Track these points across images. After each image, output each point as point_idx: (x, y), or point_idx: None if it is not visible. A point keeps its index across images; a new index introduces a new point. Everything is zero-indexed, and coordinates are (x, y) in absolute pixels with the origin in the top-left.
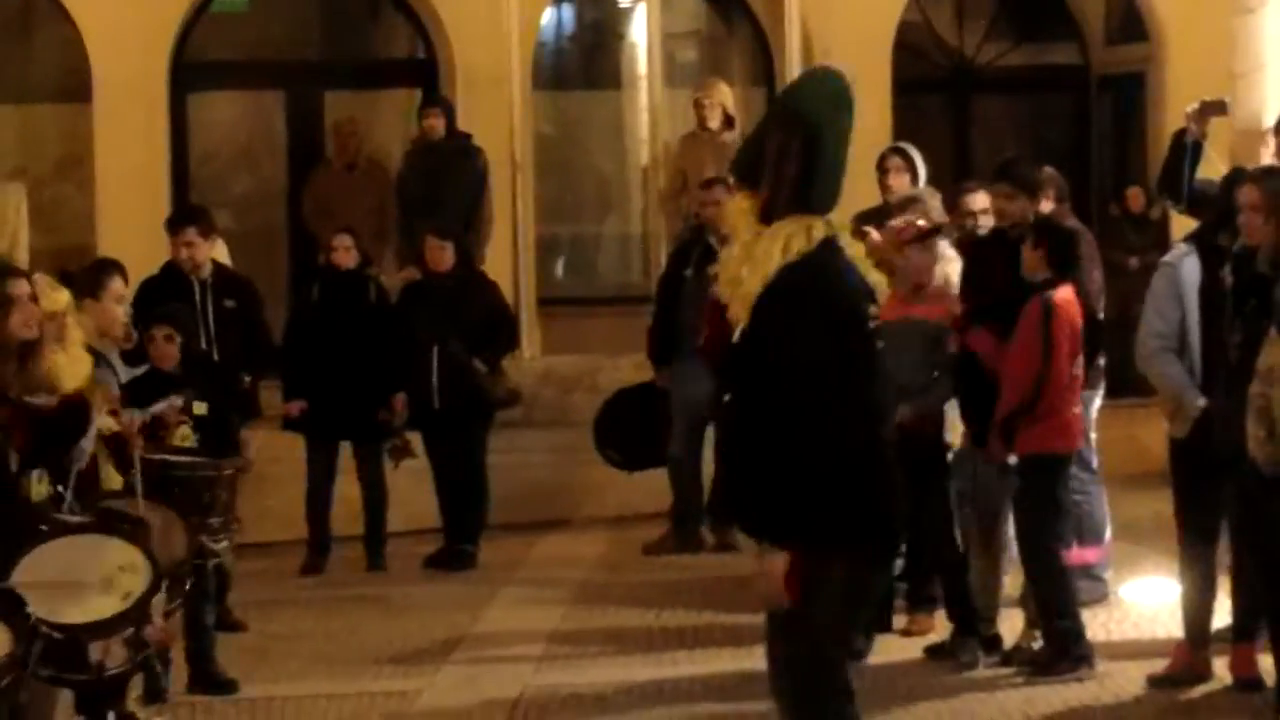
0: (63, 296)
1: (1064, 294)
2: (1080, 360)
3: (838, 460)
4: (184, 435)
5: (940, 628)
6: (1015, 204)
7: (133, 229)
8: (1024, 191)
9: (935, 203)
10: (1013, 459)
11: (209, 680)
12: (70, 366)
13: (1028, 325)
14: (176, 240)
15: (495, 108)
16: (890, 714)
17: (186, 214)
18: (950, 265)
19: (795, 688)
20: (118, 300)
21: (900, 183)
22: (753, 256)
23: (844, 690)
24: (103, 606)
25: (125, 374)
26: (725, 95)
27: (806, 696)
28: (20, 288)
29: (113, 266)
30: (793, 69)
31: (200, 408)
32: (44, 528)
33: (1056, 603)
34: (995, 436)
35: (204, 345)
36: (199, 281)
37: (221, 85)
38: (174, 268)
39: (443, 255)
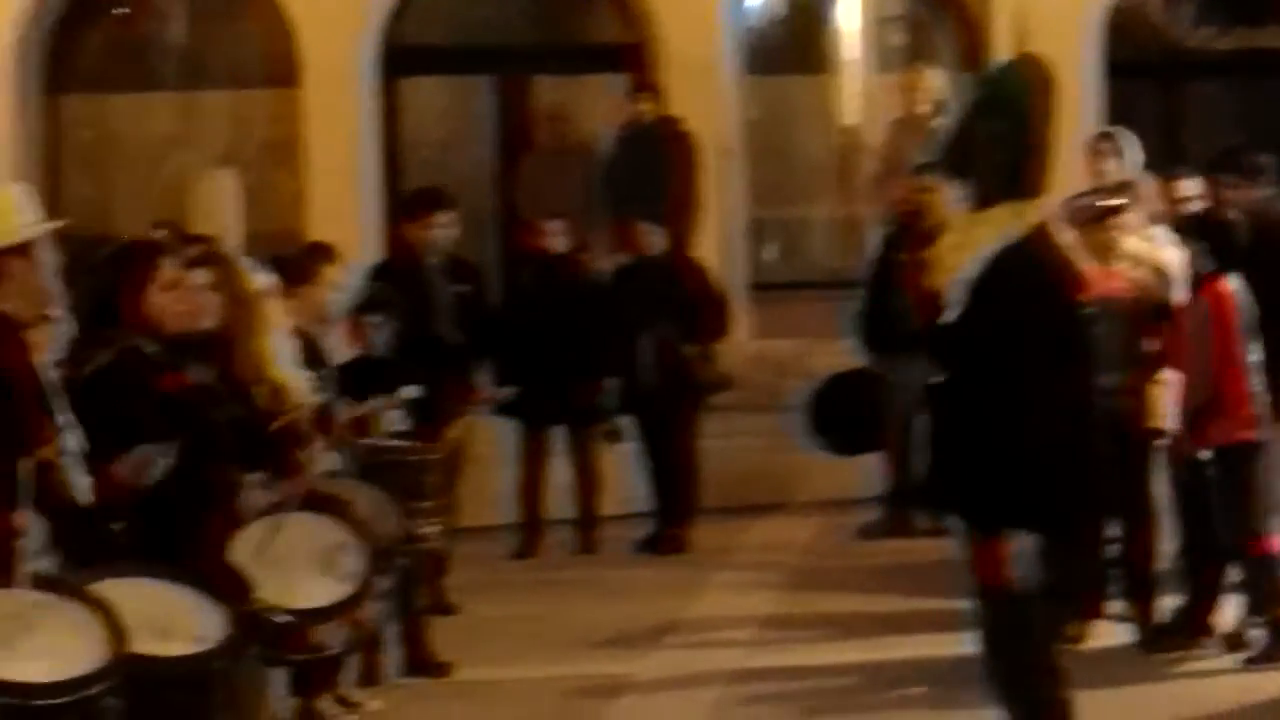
0: (261, 281)
1: (1225, 285)
2: (1254, 347)
3: (1044, 442)
4: (390, 420)
5: (1156, 614)
6: (1240, 193)
7: (342, 214)
8: (1252, 181)
9: (1149, 189)
10: (1205, 453)
11: (422, 663)
12: (270, 353)
13: (1192, 319)
14: (426, 222)
15: (704, 92)
16: (1102, 700)
17: (438, 197)
18: (1166, 252)
19: (1001, 667)
20: (329, 285)
21: (1110, 168)
22: (967, 242)
23: (1051, 670)
24: (325, 588)
25: (340, 356)
26: (934, 80)
27: (1012, 676)
28: (196, 276)
29: (324, 251)
30: (1002, 53)
31: (411, 392)
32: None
33: (1266, 591)
34: (1183, 431)
35: (434, 329)
36: (430, 266)
37: (430, 70)
38: (405, 251)
39: (653, 240)
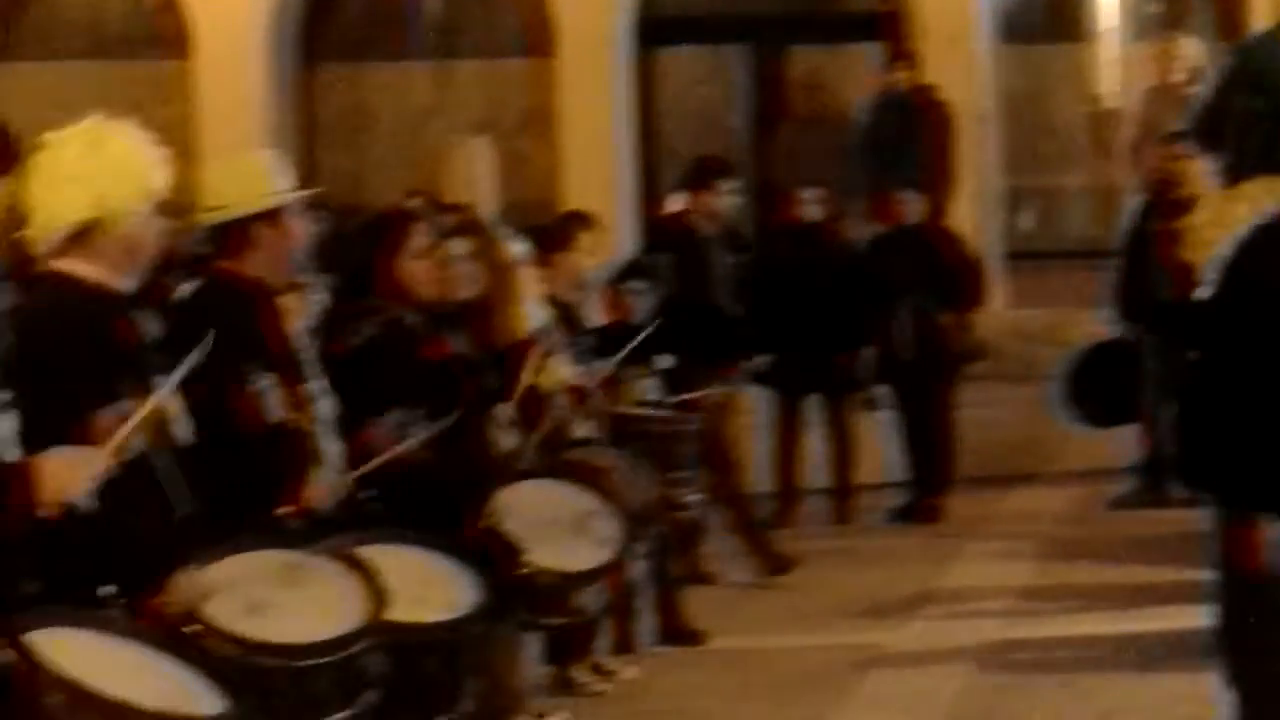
0: (516, 250)
1: None
2: None
3: None
4: (643, 388)
5: None
6: None
7: (597, 183)
8: None
9: None
10: None
11: (677, 632)
12: (525, 321)
13: None
14: (712, 190)
15: (960, 61)
16: None
17: (723, 166)
18: None
19: (1236, 652)
20: (586, 253)
21: None
22: (1220, 220)
23: None
24: (586, 552)
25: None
26: (1189, 49)
27: (1246, 661)
28: (454, 245)
29: (581, 219)
30: (1260, 22)
31: (664, 361)
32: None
33: None
34: None
35: (712, 299)
36: (707, 235)
37: (686, 40)
38: (676, 221)
39: (909, 209)
